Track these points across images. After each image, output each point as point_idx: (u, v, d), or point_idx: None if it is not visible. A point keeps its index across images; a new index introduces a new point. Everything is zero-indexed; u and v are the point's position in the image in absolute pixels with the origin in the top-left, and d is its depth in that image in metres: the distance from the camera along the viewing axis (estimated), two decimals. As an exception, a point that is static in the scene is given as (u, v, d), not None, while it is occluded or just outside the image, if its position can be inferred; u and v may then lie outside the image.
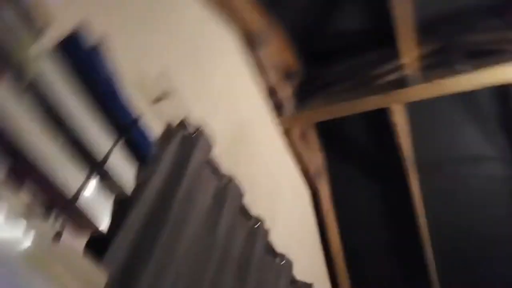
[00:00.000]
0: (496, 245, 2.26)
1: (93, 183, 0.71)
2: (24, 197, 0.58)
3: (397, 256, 2.45)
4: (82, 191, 0.67)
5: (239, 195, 1.29)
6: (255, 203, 1.43)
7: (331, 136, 2.27)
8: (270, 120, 1.89)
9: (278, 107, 1.92)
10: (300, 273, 1.65)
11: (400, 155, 2.05)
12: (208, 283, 1.09)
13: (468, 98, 1.94)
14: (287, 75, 1.95)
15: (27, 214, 0.57)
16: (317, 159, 2.25)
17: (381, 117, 1.96)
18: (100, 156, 0.73)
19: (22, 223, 0.55)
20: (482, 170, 2.15)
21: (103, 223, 0.72)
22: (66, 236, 0.63)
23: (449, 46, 1.79)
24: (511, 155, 2.07)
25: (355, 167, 2.33)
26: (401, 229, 2.36)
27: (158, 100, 1.04)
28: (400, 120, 1.94)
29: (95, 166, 0.72)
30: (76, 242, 0.66)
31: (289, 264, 1.58)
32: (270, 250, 1.48)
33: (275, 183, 1.87)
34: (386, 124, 1.97)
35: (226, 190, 1.22)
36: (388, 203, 2.34)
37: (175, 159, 1.02)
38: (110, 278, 0.69)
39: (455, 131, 2.11)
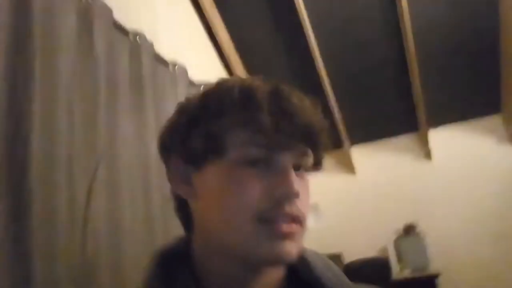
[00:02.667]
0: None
1: None
2: None
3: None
4: None
5: (108, 10, 1.21)
6: (130, 16, 1.35)
7: None
8: None
9: None
10: (196, 74, 1.71)
11: None
12: (104, 106, 1.11)
13: None
14: None
15: None
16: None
17: None
18: None
19: None
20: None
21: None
22: None
23: None
24: None
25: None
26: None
27: None
28: None
29: None
30: None
31: (183, 70, 1.61)
32: (159, 61, 1.48)
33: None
34: None
35: (90, 10, 1.13)
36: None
37: None
38: None
39: None
